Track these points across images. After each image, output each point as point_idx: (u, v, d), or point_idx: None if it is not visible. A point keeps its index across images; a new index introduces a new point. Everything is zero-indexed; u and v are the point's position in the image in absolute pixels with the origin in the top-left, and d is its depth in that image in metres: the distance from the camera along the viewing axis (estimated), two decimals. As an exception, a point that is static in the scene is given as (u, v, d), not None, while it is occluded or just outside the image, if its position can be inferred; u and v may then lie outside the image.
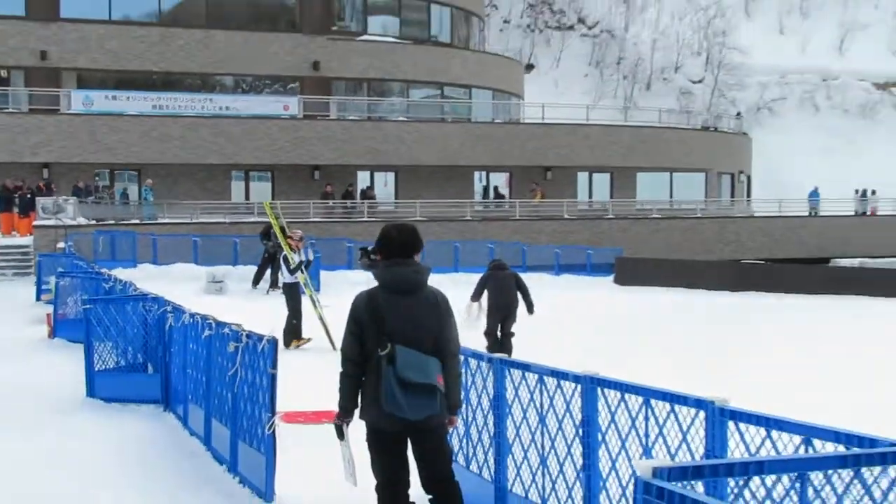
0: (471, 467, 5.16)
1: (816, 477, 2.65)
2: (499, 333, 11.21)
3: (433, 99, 33.33)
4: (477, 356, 5.10)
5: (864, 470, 2.59)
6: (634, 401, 3.93)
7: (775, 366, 12.19)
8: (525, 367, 4.73)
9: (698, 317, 19.79)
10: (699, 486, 2.77)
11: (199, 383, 6.57)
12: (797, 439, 3.13)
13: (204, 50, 29.67)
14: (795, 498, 2.67)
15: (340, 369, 4.11)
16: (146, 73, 29.06)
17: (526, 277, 13.14)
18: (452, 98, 33.50)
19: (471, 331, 10.15)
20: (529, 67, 46.92)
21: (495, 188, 32.30)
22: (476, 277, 12.11)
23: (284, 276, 12.00)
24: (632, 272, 26.00)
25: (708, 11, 53.36)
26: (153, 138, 27.07)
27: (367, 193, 29.47)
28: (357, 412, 4.10)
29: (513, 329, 11.41)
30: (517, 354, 9.65)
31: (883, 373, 12.06)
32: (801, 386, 10.14)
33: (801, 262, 30.97)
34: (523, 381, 4.61)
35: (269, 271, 18.44)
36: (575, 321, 16.30)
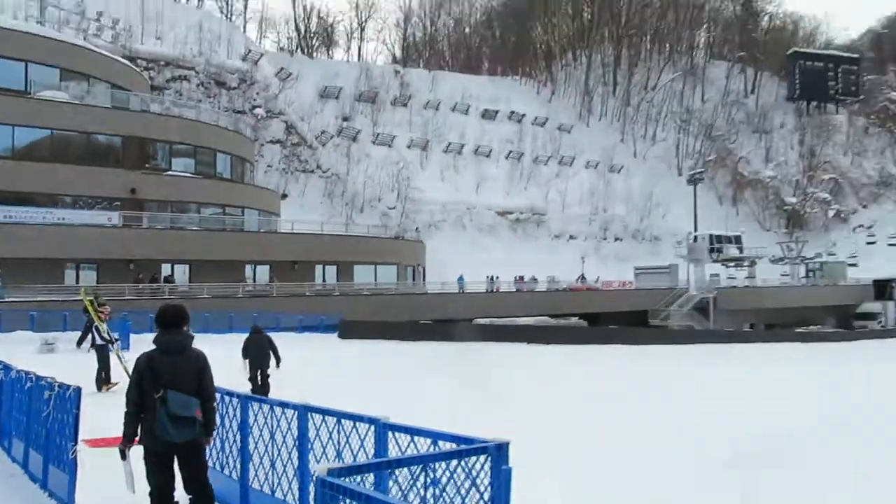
0: (224, 471, 5.49)
1: (439, 466, 3.25)
2: (259, 379, 12.00)
3: (217, 215, 35.77)
4: (230, 394, 5.47)
5: (465, 460, 3.23)
6: (330, 420, 4.45)
7: (443, 387, 13.53)
8: (261, 400, 5.28)
9: (394, 357, 21.83)
10: (370, 478, 3.30)
11: (20, 422, 6.56)
12: (429, 441, 3.64)
13: (51, 177, 30.50)
14: (424, 479, 3.24)
15: (125, 408, 4.54)
16: (4, 193, 29.45)
17: (280, 336, 14.10)
18: (231, 215, 36.23)
19: (242, 376, 11.48)
20: (284, 196, 49.63)
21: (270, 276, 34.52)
22: (244, 337, 12.51)
23: (97, 339, 12.84)
24: (351, 329, 28.77)
25: (398, 164, 60.83)
26: (7, 239, 27.59)
27: (169, 279, 31.27)
28: (137, 438, 4.52)
29: (269, 373, 12.12)
30: (274, 392, 10.82)
31: (505, 395, 13.80)
32: (462, 403, 11.26)
33: (455, 322, 35.69)
34: (260, 410, 5.15)
35: (89, 335, 17.10)
36: (310, 365, 17.06)
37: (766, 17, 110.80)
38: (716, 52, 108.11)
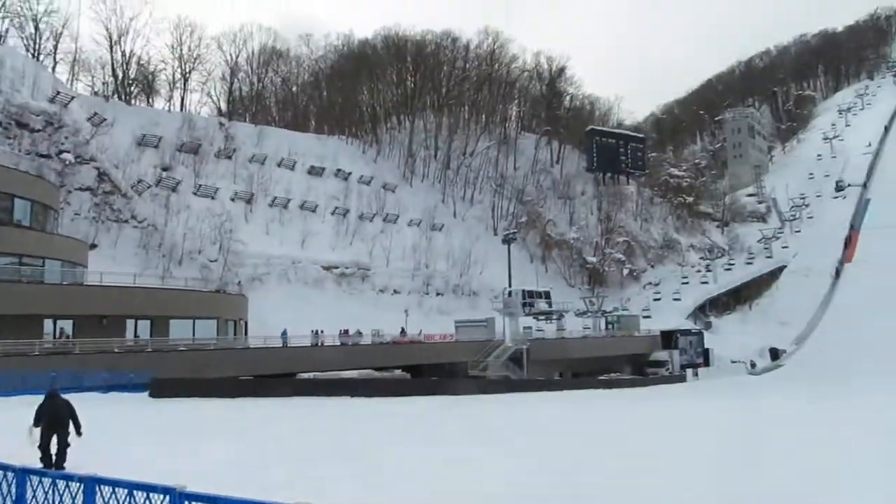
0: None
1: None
2: (53, 449, 10.70)
3: (13, 265, 32.66)
4: (4, 467, 5.21)
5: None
6: (121, 491, 4.35)
7: (258, 447, 13.51)
8: (42, 473, 5.11)
9: (209, 416, 20.81)
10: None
11: None
12: None
13: None
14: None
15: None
16: None
17: (81, 397, 13.11)
18: (30, 265, 33.26)
19: (32, 447, 10.23)
20: (93, 246, 46.28)
21: (61, 329, 31.73)
22: (41, 398, 11.20)
23: None
24: (164, 387, 27.29)
25: (221, 217, 58.48)
26: None
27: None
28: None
29: (69, 442, 10.85)
30: (71, 463, 9.95)
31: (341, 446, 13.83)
32: (274, 465, 10.84)
33: (277, 377, 35.12)
34: (40, 485, 4.90)
35: None
36: (111, 428, 15.88)
37: (568, 97, 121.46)
38: (525, 125, 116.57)
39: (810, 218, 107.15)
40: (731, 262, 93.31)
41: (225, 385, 29.61)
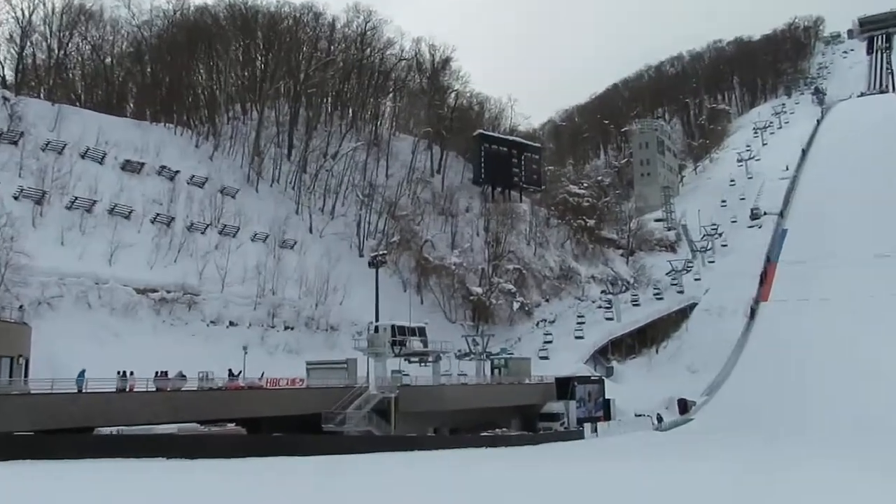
0: None
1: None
2: None
3: None
4: None
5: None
6: None
7: None
8: None
9: None
10: None
11: None
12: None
13: None
14: None
15: None
16: None
17: None
18: None
19: None
20: None
21: None
22: None
23: None
24: None
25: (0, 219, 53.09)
26: None
27: None
28: None
29: None
30: None
31: None
32: None
33: (69, 432, 32.96)
34: None
35: None
36: None
37: (453, 95, 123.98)
38: (402, 124, 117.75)
39: (724, 246, 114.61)
40: (637, 297, 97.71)
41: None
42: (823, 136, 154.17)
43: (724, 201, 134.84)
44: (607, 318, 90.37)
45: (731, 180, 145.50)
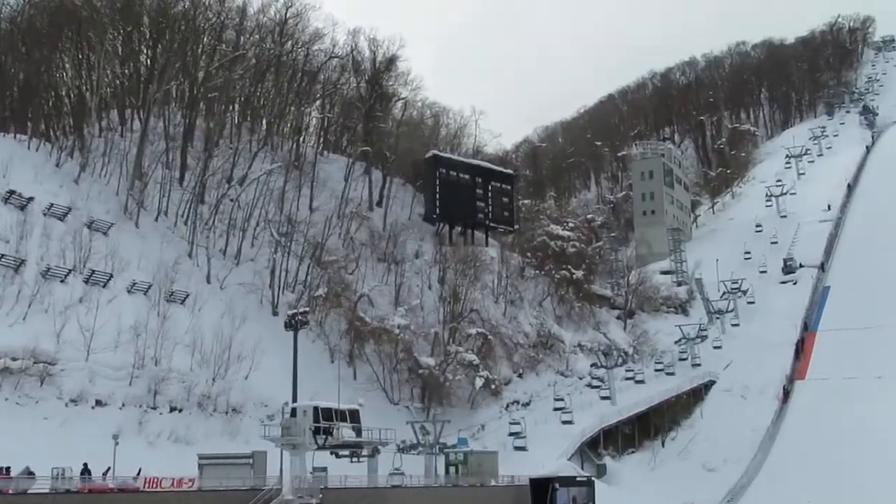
0: None
1: None
2: None
3: None
4: None
5: None
6: None
7: None
8: None
9: None
10: None
11: None
12: None
13: None
14: None
15: None
16: None
17: None
18: None
19: None
20: None
21: None
22: None
23: None
24: None
25: None
26: None
27: None
28: None
29: None
30: None
31: None
32: None
33: None
34: None
35: None
36: None
37: (400, 104, 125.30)
38: (332, 140, 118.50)
39: (750, 303, 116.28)
40: (638, 372, 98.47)
41: None
42: (874, 167, 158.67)
43: (747, 253, 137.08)
44: (603, 398, 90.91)
45: (758, 225, 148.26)
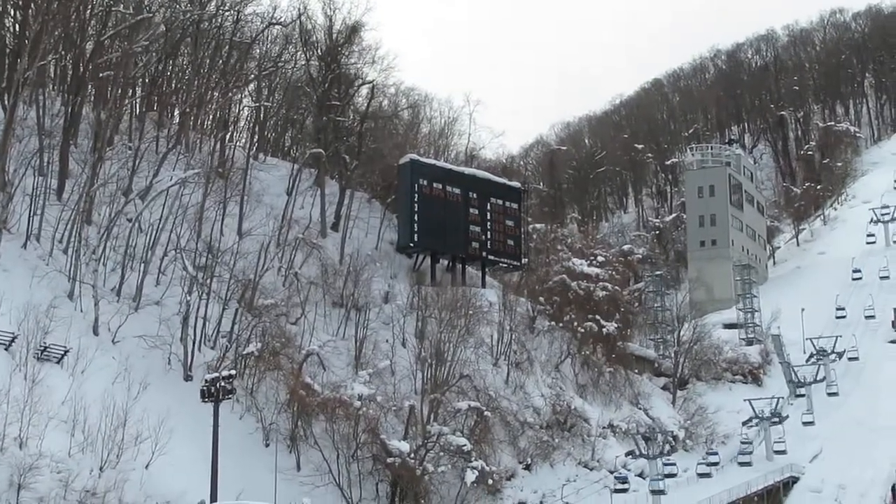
0: None
1: None
2: None
3: None
4: None
5: None
6: None
7: None
8: None
9: None
10: None
11: None
12: None
13: None
14: None
15: None
16: None
17: None
18: None
19: None
20: None
21: None
22: None
23: None
24: None
25: None
26: None
27: None
28: None
29: None
30: None
31: None
32: None
33: None
34: None
35: None
36: None
37: (366, 89, 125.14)
38: (271, 139, 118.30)
39: (853, 360, 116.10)
40: (699, 466, 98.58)
41: None
42: None
43: (840, 310, 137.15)
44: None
45: (856, 270, 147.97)
